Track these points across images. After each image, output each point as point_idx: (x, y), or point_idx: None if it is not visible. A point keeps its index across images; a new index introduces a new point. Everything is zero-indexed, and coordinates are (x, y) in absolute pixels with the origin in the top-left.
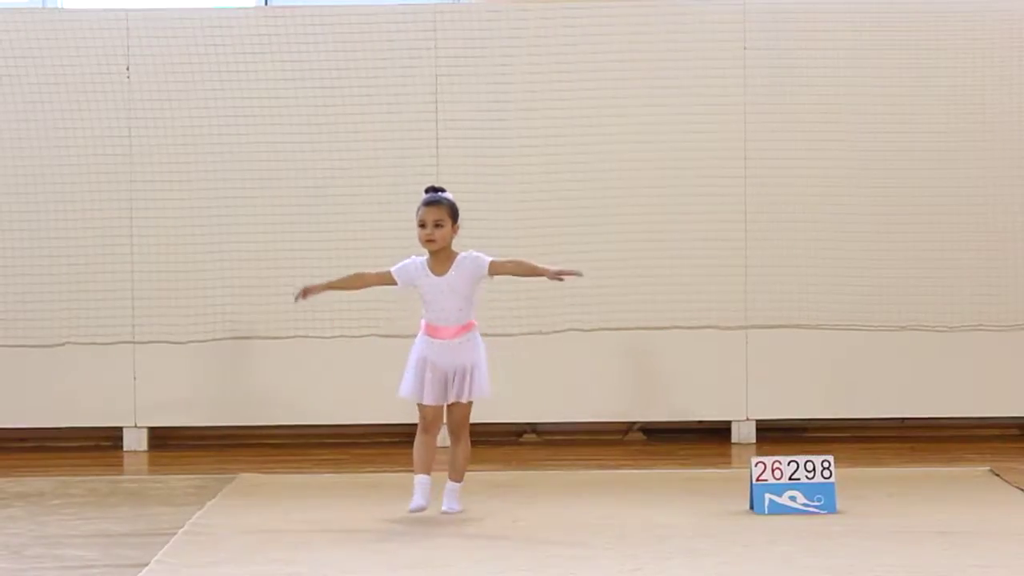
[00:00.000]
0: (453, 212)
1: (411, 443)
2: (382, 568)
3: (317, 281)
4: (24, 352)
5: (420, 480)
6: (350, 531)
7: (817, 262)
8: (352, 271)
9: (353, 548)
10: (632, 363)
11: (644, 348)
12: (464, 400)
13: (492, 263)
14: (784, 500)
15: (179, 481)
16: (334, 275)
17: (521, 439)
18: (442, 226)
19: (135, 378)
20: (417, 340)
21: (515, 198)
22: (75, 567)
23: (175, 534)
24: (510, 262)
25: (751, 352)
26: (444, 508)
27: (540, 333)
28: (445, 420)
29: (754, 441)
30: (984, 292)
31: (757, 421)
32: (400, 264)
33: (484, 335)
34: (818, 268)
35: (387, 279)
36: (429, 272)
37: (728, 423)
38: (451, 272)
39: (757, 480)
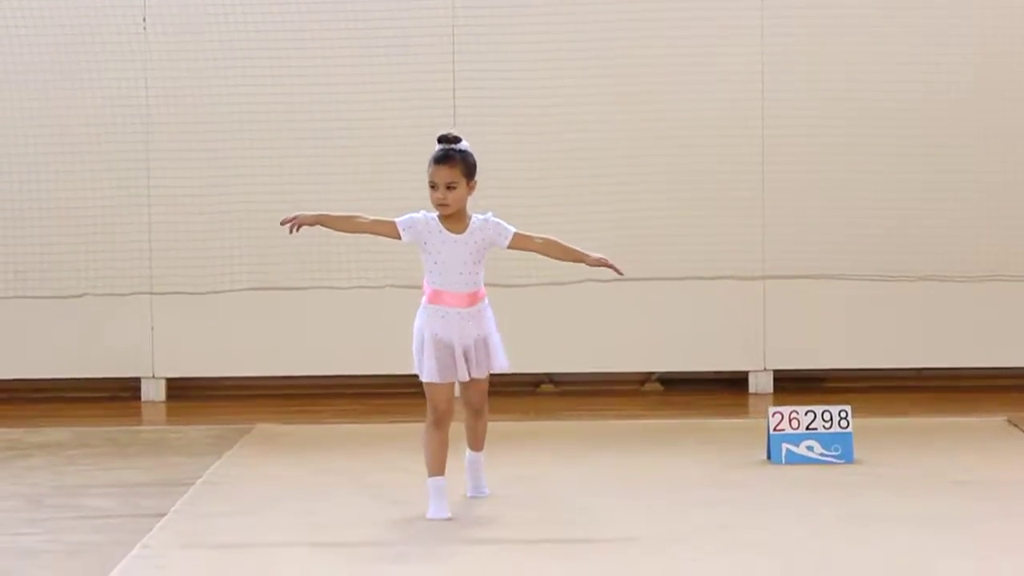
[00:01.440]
0: (468, 169)
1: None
2: (398, 518)
3: (310, 212)
4: (42, 303)
5: (437, 484)
6: (367, 482)
7: (835, 212)
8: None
9: (370, 498)
10: (649, 314)
11: (661, 299)
12: (485, 375)
13: (516, 235)
14: (801, 450)
15: (197, 431)
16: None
17: (538, 389)
18: (455, 188)
19: (153, 329)
20: (419, 313)
21: (531, 148)
22: (94, 516)
23: (193, 484)
24: (539, 239)
25: (769, 302)
26: (470, 493)
27: (557, 284)
28: (462, 399)
29: (771, 391)
30: (1003, 242)
31: (774, 371)
32: (407, 216)
33: (502, 286)
34: (836, 218)
35: (390, 230)
36: (443, 228)
37: (745, 373)
38: (467, 233)
39: (774, 430)
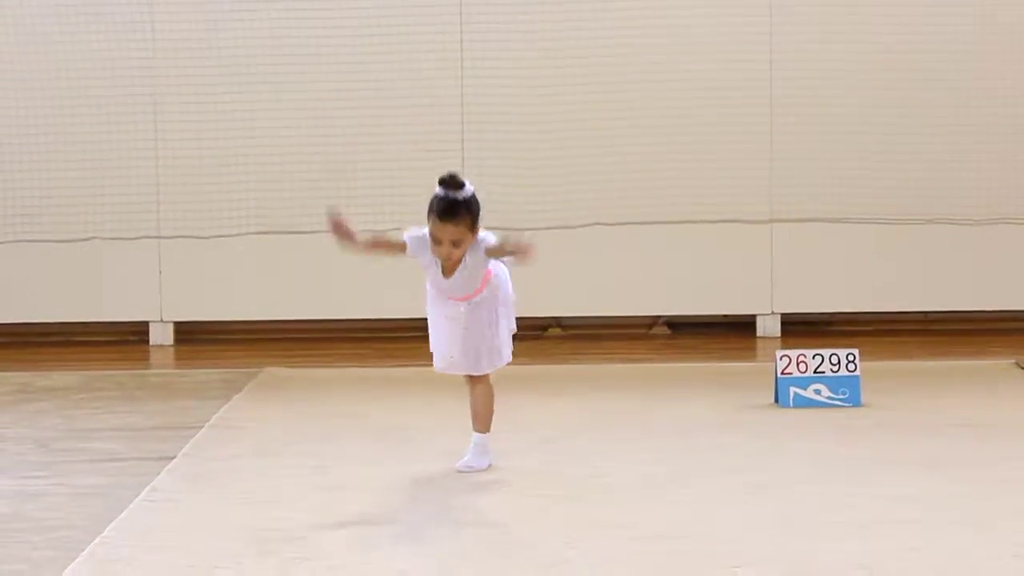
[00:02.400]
0: (474, 220)
1: None
2: (406, 460)
3: (353, 229)
4: (50, 247)
5: None
6: (374, 425)
7: (843, 155)
8: (377, 169)
9: (376, 441)
10: (657, 257)
11: (669, 242)
12: (479, 372)
13: (488, 250)
14: (809, 393)
15: (205, 375)
16: (362, 165)
17: (546, 333)
18: (460, 245)
19: (160, 273)
20: (427, 290)
21: (538, 93)
22: (103, 460)
23: (202, 427)
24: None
25: (776, 246)
26: (458, 465)
27: (565, 227)
28: None
29: (779, 335)
30: (1010, 185)
31: (782, 315)
32: (414, 234)
33: (509, 231)
34: (844, 161)
35: (398, 245)
36: (438, 270)
37: (753, 317)
38: (459, 268)
39: (782, 374)
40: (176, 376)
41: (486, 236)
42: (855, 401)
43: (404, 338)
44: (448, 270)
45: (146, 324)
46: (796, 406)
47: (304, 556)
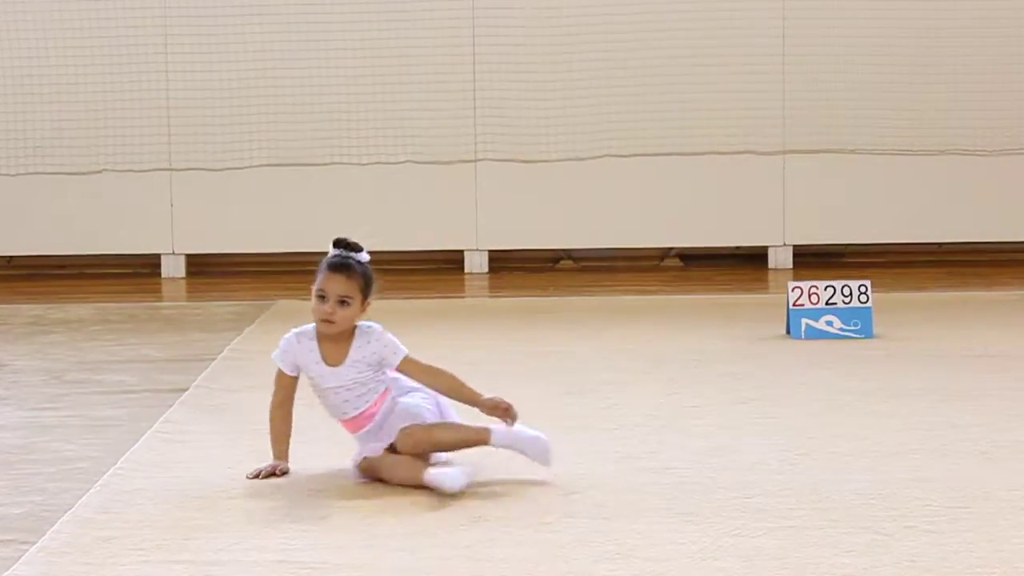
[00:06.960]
0: (366, 285)
1: (448, 270)
2: None
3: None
4: (61, 179)
5: None
6: None
7: (855, 86)
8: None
9: None
10: (669, 189)
11: (681, 174)
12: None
13: (406, 359)
14: (821, 325)
15: (217, 307)
16: (374, 98)
17: (557, 265)
18: (349, 304)
19: (172, 205)
20: None
21: (552, 22)
22: (115, 392)
23: (214, 360)
24: (427, 367)
25: (788, 177)
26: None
27: (576, 159)
28: None
29: (791, 266)
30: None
31: (794, 246)
32: (281, 351)
33: (520, 162)
34: (856, 92)
35: (286, 382)
36: (320, 359)
37: (765, 248)
38: (348, 360)
39: (794, 305)
40: (188, 308)
41: (392, 340)
42: (867, 332)
43: (416, 270)
44: (331, 354)
45: (158, 256)
46: (808, 338)
47: (318, 487)
